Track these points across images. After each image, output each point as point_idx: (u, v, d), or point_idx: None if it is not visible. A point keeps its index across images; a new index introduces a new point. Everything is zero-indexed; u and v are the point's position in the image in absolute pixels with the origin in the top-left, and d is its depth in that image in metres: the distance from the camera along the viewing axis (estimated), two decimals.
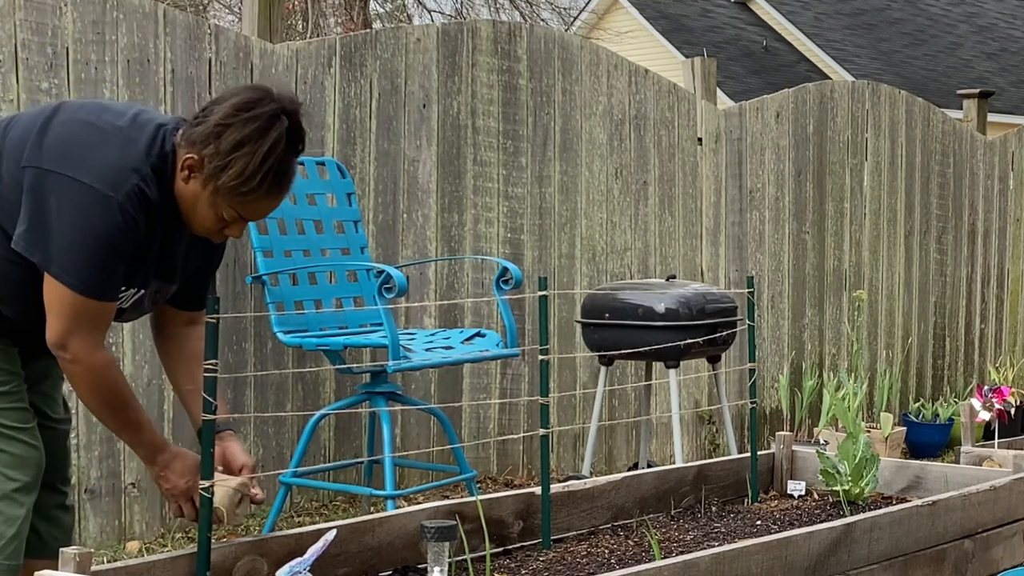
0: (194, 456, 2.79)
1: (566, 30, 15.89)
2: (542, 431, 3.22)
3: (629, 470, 4.48)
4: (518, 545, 3.26)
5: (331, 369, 4.77)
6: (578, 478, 3.94)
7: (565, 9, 18.88)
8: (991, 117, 8.95)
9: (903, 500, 3.81)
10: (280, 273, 4.42)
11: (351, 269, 4.65)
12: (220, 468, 2.79)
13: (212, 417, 2.69)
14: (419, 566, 2.95)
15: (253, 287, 4.69)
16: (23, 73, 4.28)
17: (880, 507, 3.65)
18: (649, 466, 4.93)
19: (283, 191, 2.72)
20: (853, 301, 7.16)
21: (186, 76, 4.68)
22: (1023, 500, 3.64)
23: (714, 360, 5.12)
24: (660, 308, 4.80)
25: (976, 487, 3.51)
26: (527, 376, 5.75)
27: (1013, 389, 6.33)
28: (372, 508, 4.86)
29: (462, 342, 4.49)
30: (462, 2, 16.69)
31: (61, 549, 2.40)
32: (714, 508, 3.75)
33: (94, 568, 2.42)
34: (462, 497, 3.94)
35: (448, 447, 4.58)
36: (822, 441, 5.98)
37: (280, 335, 4.37)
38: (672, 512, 3.67)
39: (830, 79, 12.11)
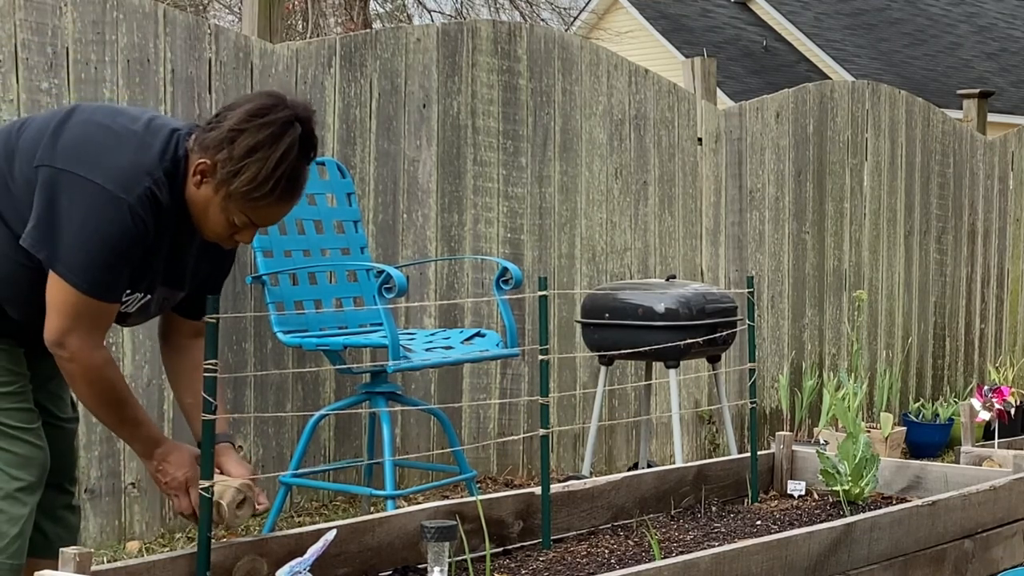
0: (191, 449, 2.80)
1: (566, 30, 15.89)
2: (542, 431, 3.22)
3: (629, 470, 4.48)
4: (518, 545, 3.26)
5: (331, 369, 4.77)
6: (578, 478, 3.94)
7: (565, 9, 18.88)
8: (991, 117, 8.95)
9: (903, 500, 3.81)
10: (280, 273, 4.42)
11: (351, 269, 4.65)
12: (218, 470, 2.79)
13: (212, 417, 2.69)
14: (419, 566, 2.95)
15: (253, 287, 4.69)
16: (23, 73, 4.28)
17: (880, 507, 3.65)
18: (649, 466, 4.94)
19: (295, 197, 2.73)
20: (853, 301, 7.16)
21: (186, 76, 4.68)
22: (1023, 500, 3.64)
23: (714, 360, 5.12)
24: (660, 308, 4.80)
25: (976, 487, 3.51)
26: (527, 376, 5.75)
27: (1013, 389, 6.33)
28: (372, 508, 4.86)
29: (462, 342, 4.49)
30: (462, 2, 16.69)
31: (61, 549, 2.40)
32: (714, 508, 3.75)
33: (94, 568, 2.42)
34: (462, 497, 3.94)
35: (448, 447, 4.58)
36: (822, 441, 5.98)
37: (280, 335, 4.37)
38: (672, 512, 3.67)
39: (830, 79, 12.11)
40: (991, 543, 3.53)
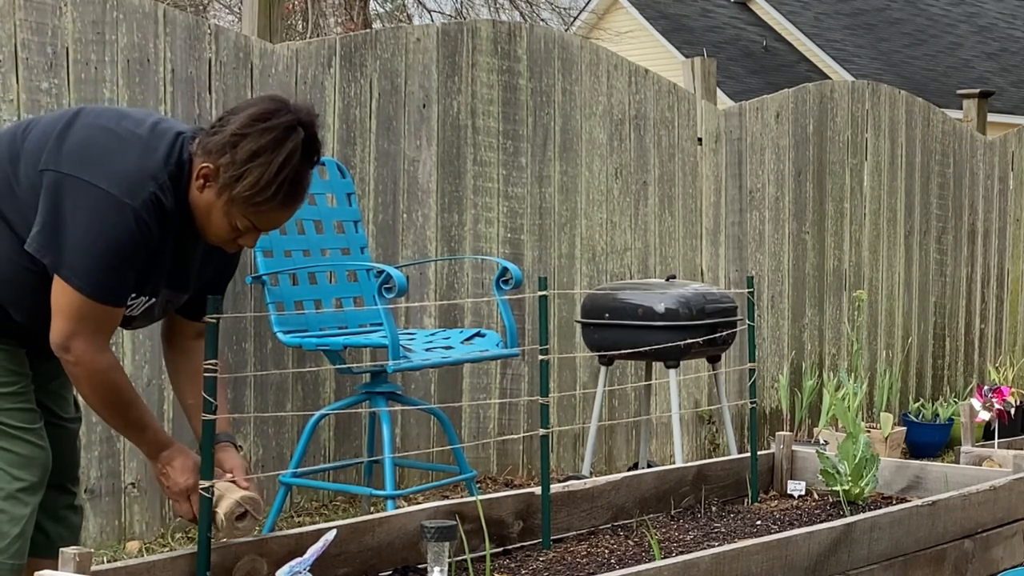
0: (196, 456, 2.79)
1: (566, 30, 15.89)
2: (542, 431, 3.22)
3: (629, 470, 4.48)
4: (518, 545, 3.26)
5: (331, 369, 4.77)
6: (578, 478, 3.94)
7: (565, 9, 18.88)
8: (991, 117, 8.96)
9: (903, 500, 3.81)
10: (280, 273, 4.42)
11: (351, 269, 4.65)
12: (230, 476, 2.78)
13: (212, 417, 2.69)
14: (419, 566, 2.95)
15: (253, 287, 4.69)
16: (23, 73, 4.28)
17: (880, 507, 3.65)
18: (649, 466, 4.94)
19: (297, 202, 2.73)
20: (853, 301, 7.16)
21: (186, 76, 4.68)
22: (1023, 500, 3.64)
23: (714, 360, 5.12)
24: (660, 308, 4.80)
25: (976, 487, 3.51)
26: (527, 376, 5.75)
27: (1013, 389, 6.33)
28: (372, 508, 4.86)
29: (462, 342, 4.49)
30: (462, 2, 16.69)
31: (61, 549, 2.40)
32: (714, 508, 3.75)
33: (94, 568, 2.42)
34: (462, 497, 3.94)
35: (448, 447, 4.58)
36: (822, 441, 5.98)
37: (280, 335, 4.37)
38: (672, 512, 3.67)
39: (830, 79, 12.12)
40: (991, 543, 3.53)
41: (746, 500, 3.86)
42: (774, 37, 20.15)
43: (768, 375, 6.86)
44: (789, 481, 3.99)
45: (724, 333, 4.84)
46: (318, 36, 12.21)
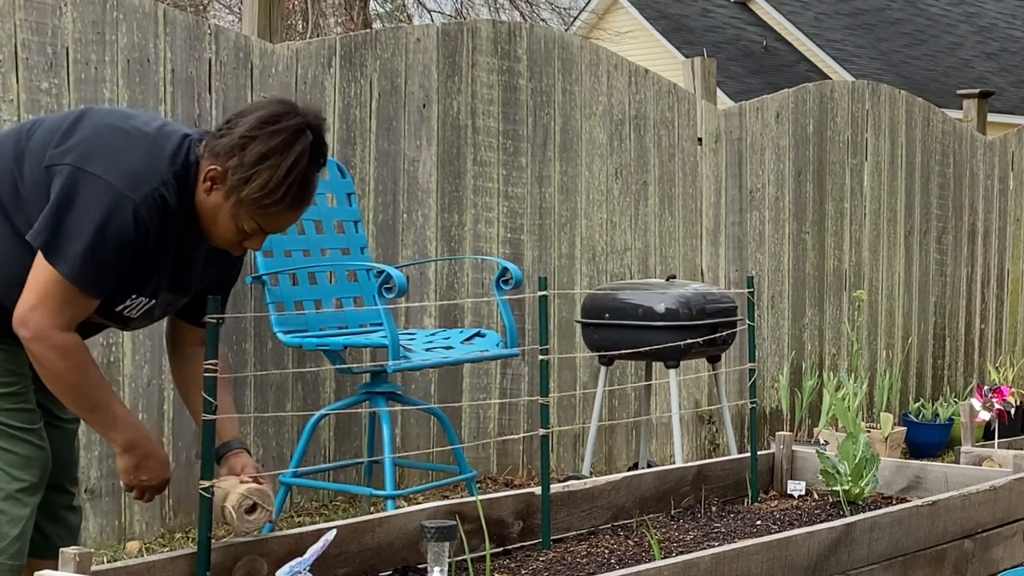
0: (165, 461, 2.81)
1: (566, 30, 15.89)
2: (542, 431, 3.22)
3: (629, 470, 4.48)
4: (518, 545, 3.26)
5: (331, 369, 4.77)
6: (578, 478, 3.94)
7: (565, 9, 18.88)
8: (991, 117, 8.95)
9: (903, 500, 3.81)
10: (280, 273, 4.42)
11: (351, 269, 4.65)
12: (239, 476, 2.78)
13: (212, 417, 2.69)
14: (419, 566, 2.95)
15: (253, 287, 4.69)
16: (23, 73, 4.28)
17: (880, 507, 3.65)
18: (649, 466, 4.94)
19: (304, 204, 2.73)
20: (853, 301, 7.16)
21: (186, 76, 4.68)
22: (1023, 500, 3.64)
23: (714, 360, 5.12)
24: (660, 308, 4.80)
25: (976, 487, 3.51)
26: (527, 376, 5.75)
27: (1013, 389, 6.33)
28: (372, 508, 4.86)
29: (462, 342, 4.49)
30: (462, 2, 16.69)
31: (61, 549, 2.40)
32: (714, 508, 3.75)
33: (94, 568, 2.42)
34: (462, 497, 3.94)
35: (448, 447, 4.58)
36: (822, 441, 5.98)
37: (280, 335, 4.37)
38: (672, 512, 3.67)
39: (830, 79, 12.12)
40: (991, 543, 3.53)
41: (746, 500, 3.86)
42: (774, 37, 20.15)
43: (768, 375, 6.86)
44: (789, 481, 3.99)
45: (724, 333, 4.84)
46: (318, 36, 12.21)
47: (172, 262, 2.75)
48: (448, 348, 4.42)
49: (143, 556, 3.58)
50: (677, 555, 3.09)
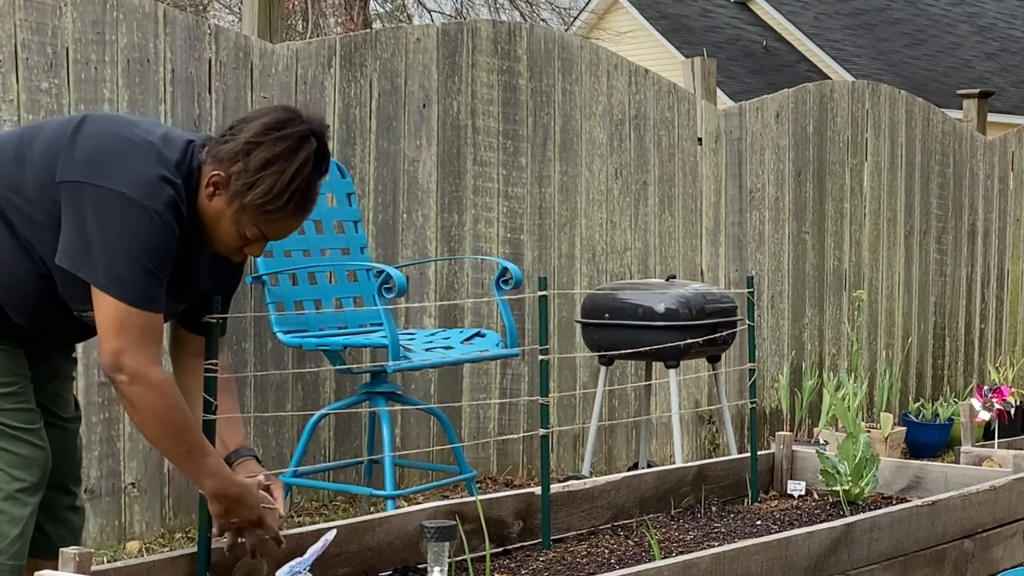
0: (257, 506, 2.70)
1: (566, 30, 15.89)
2: (542, 431, 3.22)
3: (629, 470, 4.48)
4: (518, 545, 3.26)
5: (331, 369, 4.77)
6: (578, 478, 3.94)
7: (565, 9, 18.88)
8: (991, 117, 8.95)
9: (903, 500, 3.81)
10: (280, 273, 4.42)
11: (351, 269, 4.65)
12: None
13: (213, 417, 2.70)
14: (419, 566, 2.95)
15: (253, 287, 4.69)
16: (23, 73, 4.28)
17: (880, 507, 3.65)
18: (649, 466, 4.94)
19: (307, 211, 2.73)
20: (853, 301, 7.16)
21: (186, 76, 4.68)
22: (1023, 500, 3.64)
23: (714, 360, 5.12)
24: (660, 308, 4.80)
25: (976, 487, 3.51)
26: (527, 376, 5.75)
27: (1013, 389, 6.33)
28: (372, 508, 4.86)
29: (462, 342, 4.49)
30: (462, 2, 16.69)
31: (61, 549, 2.40)
32: (714, 508, 3.75)
33: (94, 568, 2.42)
34: (462, 497, 3.94)
35: (448, 447, 4.58)
36: (822, 441, 5.98)
37: (280, 335, 4.37)
38: (672, 512, 3.67)
39: (830, 79, 12.11)
40: (991, 543, 3.53)
41: (746, 500, 3.86)
42: (774, 37, 20.15)
43: (768, 375, 6.86)
44: (789, 481, 3.99)
45: (724, 333, 4.84)
46: (318, 36, 12.21)
47: (176, 269, 2.73)
48: (448, 348, 4.42)
49: (143, 556, 3.58)
50: (677, 555, 3.09)
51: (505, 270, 4.45)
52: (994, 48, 21.93)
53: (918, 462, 4.07)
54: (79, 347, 3.16)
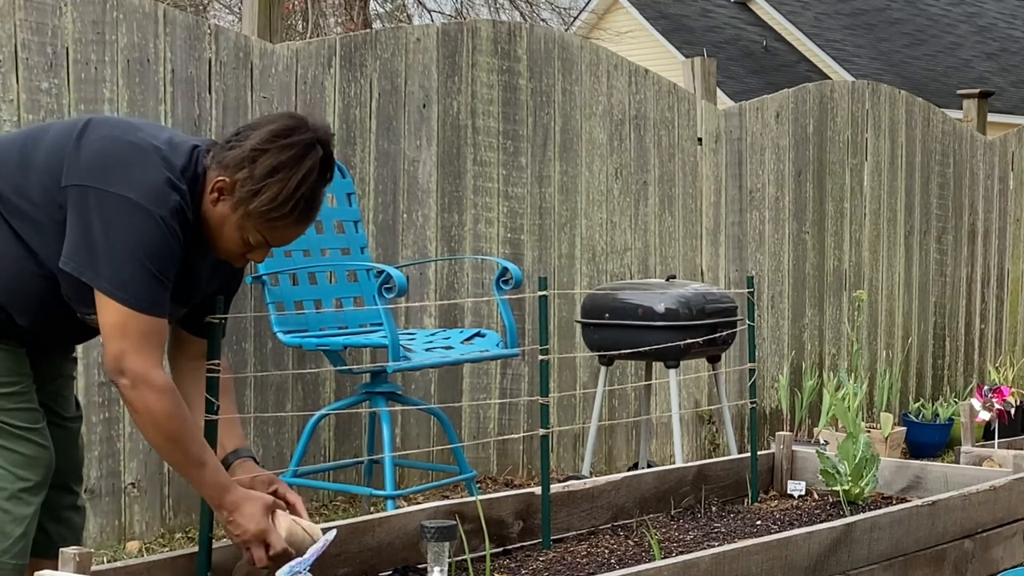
0: (263, 497, 2.69)
1: (566, 30, 15.89)
2: (542, 431, 3.22)
3: (629, 470, 4.48)
4: (518, 545, 3.26)
5: (331, 369, 4.77)
6: (578, 478, 3.94)
7: (565, 9, 18.88)
8: (991, 117, 8.95)
9: (903, 500, 3.81)
10: (280, 273, 4.42)
11: (351, 269, 4.65)
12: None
13: (214, 417, 2.70)
14: (419, 566, 2.95)
15: (253, 287, 4.69)
16: (23, 73, 4.28)
17: (880, 507, 3.65)
18: (649, 466, 4.94)
19: (311, 219, 2.73)
20: (853, 301, 7.16)
21: (186, 76, 4.68)
22: (1023, 500, 3.64)
23: (714, 360, 5.12)
24: (660, 308, 4.80)
25: (976, 487, 3.51)
26: (527, 376, 5.75)
27: (1013, 389, 6.33)
28: (372, 508, 4.86)
29: (462, 342, 4.49)
30: (462, 2, 16.69)
31: (61, 549, 2.40)
32: (714, 508, 3.75)
33: (94, 568, 2.42)
34: (462, 497, 3.94)
35: (448, 447, 4.58)
36: (822, 441, 5.98)
37: (280, 335, 4.37)
38: (672, 512, 3.67)
39: (830, 79, 12.12)
40: (991, 543, 3.53)
41: (746, 500, 3.86)
42: (774, 37, 20.15)
43: (768, 375, 6.86)
44: (789, 481, 3.99)
45: (724, 333, 4.84)
46: (318, 36, 12.21)
47: (180, 274, 2.73)
48: (448, 348, 4.41)
49: (143, 556, 3.58)
50: (677, 555, 3.09)
51: (505, 270, 4.45)
52: (994, 48, 21.93)
53: (918, 462, 4.07)
54: (79, 347, 3.16)
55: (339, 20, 12.63)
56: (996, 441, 5.84)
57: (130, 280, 2.57)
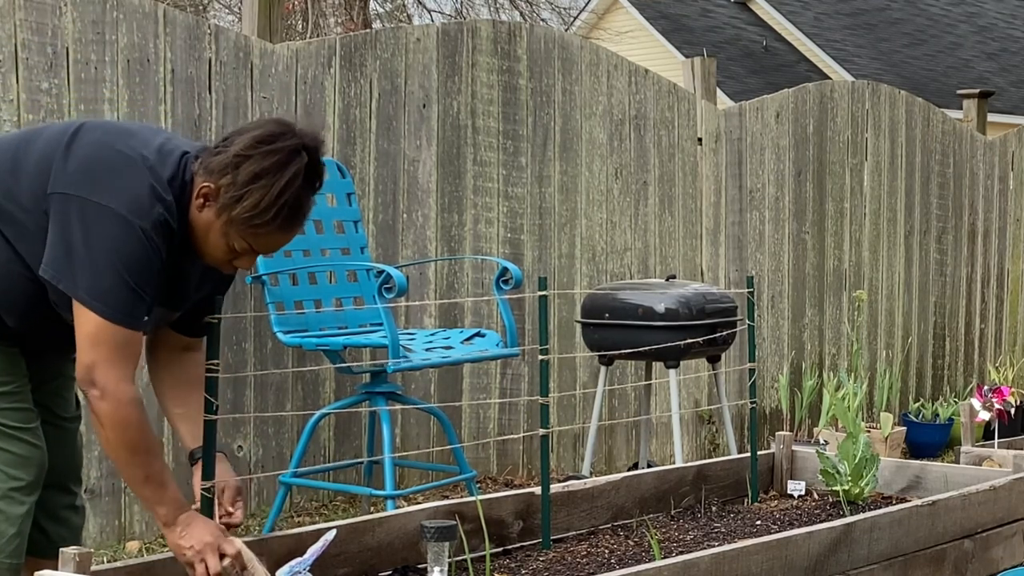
0: (213, 522, 2.70)
1: (566, 30, 15.89)
2: (542, 431, 3.22)
3: (629, 470, 4.48)
4: (518, 545, 3.26)
5: (331, 369, 4.77)
6: (578, 478, 3.94)
7: (565, 9, 18.88)
8: (991, 117, 8.95)
9: (903, 500, 3.81)
10: (280, 273, 4.42)
11: (351, 269, 4.65)
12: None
13: (214, 417, 2.70)
14: (419, 566, 2.95)
15: (253, 287, 4.69)
16: (23, 73, 4.28)
17: (880, 507, 3.65)
18: (649, 466, 4.94)
19: (296, 226, 2.70)
20: (853, 301, 7.16)
21: (186, 76, 4.68)
22: (1023, 500, 3.65)
23: (714, 360, 5.12)
24: (660, 308, 4.80)
25: (976, 487, 3.51)
26: (527, 376, 5.75)
27: (1013, 389, 6.34)
28: (372, 508, 4.86)
29: (462, 342, 4.49)
30: (462, 2, 16.69)
31: (61, 549, 2.40)
32: (714, 508, 3.75)
33: (94, 568, 2.42)
34: (462, 497, 3.94)
35: (448, 447, 4.58)
36: (822, 441, 5.98)
37: (280, 335, 4.37)
38: (672, 512, 3.67)
39: (830, 79, 12.11)
40: (991, 543, 3.53)
41: (746, 500, 3.86)
42: (774, 37, 20.15)
43: (768, 375, 6.86)
44: (789, 481, 3.99)
45: (724, 333, 4.84)
46: (318, 36, 12.21)
47: (171, 280, 2.73)
48: (448, 348, 4.41)
49: (143, 556, 3.58)
50: (677, 555, 3.09)
51: (505, 270, 4.45)
52: (994, 48, 21.93)
53: (918, 462, 4.07)
54: None
55: (339, 20, 12.63)
56: (996, 441, 5.84)
57: (108, 291, 2.56)
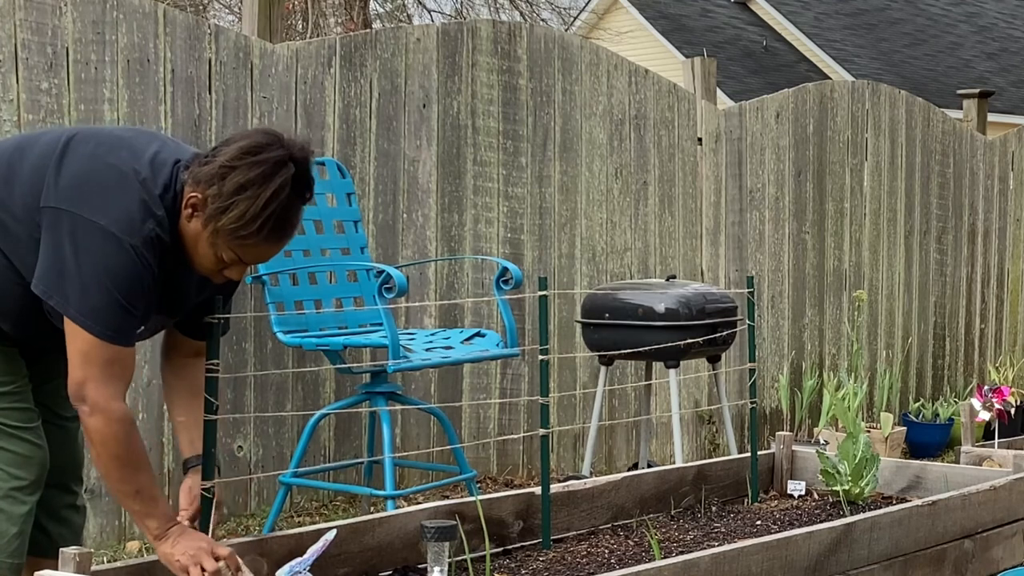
0: (200, 533, 2.72)
1: (566, 30, 15.89)
2: (542, 431, 3.22)
3: (629, 470, 4.48)
4: (518, 545, 3.26)
5: (331, 369, 4.77)
6: (578, 478, 3.94)
7: (565, 9, 18.87)
8: (991, 117, 8.95)
9: (903, 500, 3.81)
10: (280, 273, 4.42)
11: (351, 269, 4.65)
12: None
13: (214, 417, 2.70)
14: (419, 566, 2.95)
15: (253, 287, 4.69)
16: (23, 73, 4.28)
17: (880, 507, 3.65)
18: (649, 466, 4.94)
19: (284, 238, 2.69)
20: (853, 301, 7.16)
21: (186, 76, 4.68)
22: (1023, 500, 3.65)
23: (714, 360, 5.12)
24: (660, 308, 4.80)
25: (976, 487, 3.51)
26: (527, 376, 5.75)
27: (1013, 389, 6.33)
28: (372, 508, 4.86)
29: (462, 342, 4.49)
30: (462, 2, 16.69)
31: (61, 549, 2.41)
32: (714, 508, 3.75)
33: (94, 568, 2.42)
34: (462, 497, 3.94)
35: (448, 447, 4.58)
36: (822, 441, 5.98)
37: (280, 335, 4.37)
38: (672, 512, 3.67)
39: (830, 79, 12.11)
40: (991, 543, 3.53)
41: (746, 500, 3.86)
42: (774, 37, 20.15)
43: (768, 375, 6.86)
44: (789, 481, 3.99)
45: (724, 333, 4.84)
46: (318, 36, 12.21)
47: (164, 288, 2.72)
48: (448, 348, 4.41)
49: (143, 556, 3.58)
50: (677, 555, 3.09)
51: (505, 270, 4.45)
52: (994, 48, 21.93)
53: (918, 462, 4.07)
54: None
55: (339, 20, 12.63)
56: (996, 441, 5.83)
57: (97, 309, 2.56)
